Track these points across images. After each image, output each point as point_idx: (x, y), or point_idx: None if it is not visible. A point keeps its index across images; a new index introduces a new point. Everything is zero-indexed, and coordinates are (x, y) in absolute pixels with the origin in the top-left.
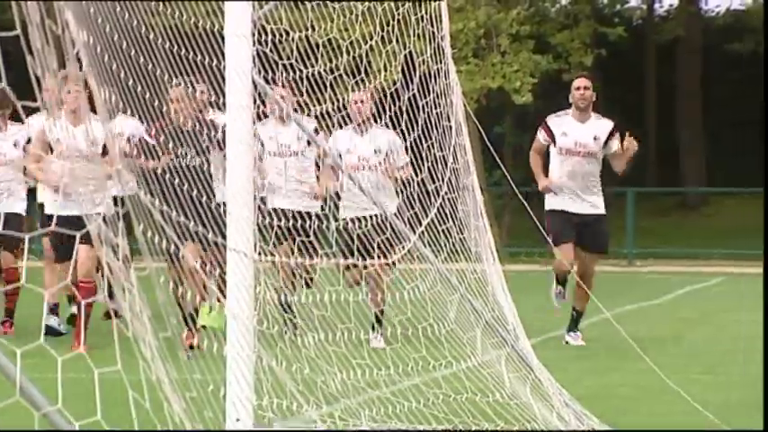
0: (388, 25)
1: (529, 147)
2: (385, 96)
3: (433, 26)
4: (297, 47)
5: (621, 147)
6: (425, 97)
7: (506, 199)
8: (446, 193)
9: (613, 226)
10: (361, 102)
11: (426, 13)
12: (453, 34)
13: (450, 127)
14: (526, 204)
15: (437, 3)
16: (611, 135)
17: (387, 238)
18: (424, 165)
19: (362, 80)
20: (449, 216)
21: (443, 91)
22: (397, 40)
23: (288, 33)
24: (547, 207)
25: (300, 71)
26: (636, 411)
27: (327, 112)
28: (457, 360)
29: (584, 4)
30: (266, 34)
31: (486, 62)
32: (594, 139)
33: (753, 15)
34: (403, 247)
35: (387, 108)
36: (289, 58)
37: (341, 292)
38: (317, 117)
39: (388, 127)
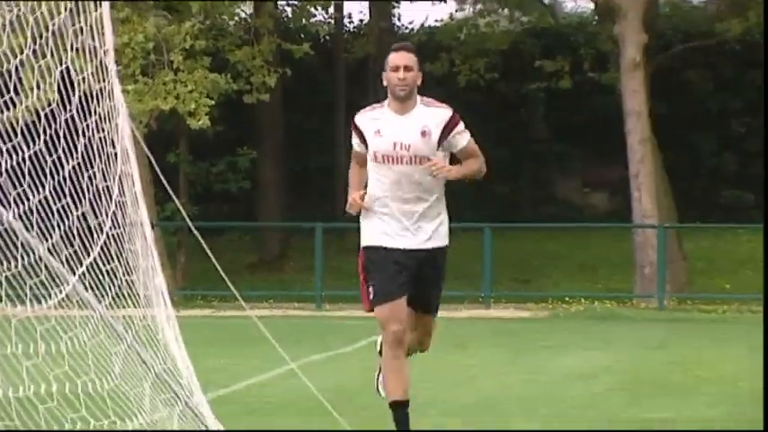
0: (41, 38)
1: (205, 176)
2: (39, 119)
3: (94, 39)
4: None
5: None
6: (86, 120)
7: (181, 235)
8: (111, 229)
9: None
10: (406, 68)
11: (86, 24)
12: (119, 48)
13: (116, 154)
14: (203, 242)
15: (98, 12)
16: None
17: (41, 281)
18: (85, 197)
19: (11, 99)
20: (114, 255)
21: (108, 113)
22: (53, 55)
23: None
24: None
25: None
26: None
27: None
28: (122, 419)
29: (265, 18)
30: None
31: (156, 81)
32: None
33: (447, 34)
34: (61, 291)
35: (41, 132)
36: None
37: None
38: None
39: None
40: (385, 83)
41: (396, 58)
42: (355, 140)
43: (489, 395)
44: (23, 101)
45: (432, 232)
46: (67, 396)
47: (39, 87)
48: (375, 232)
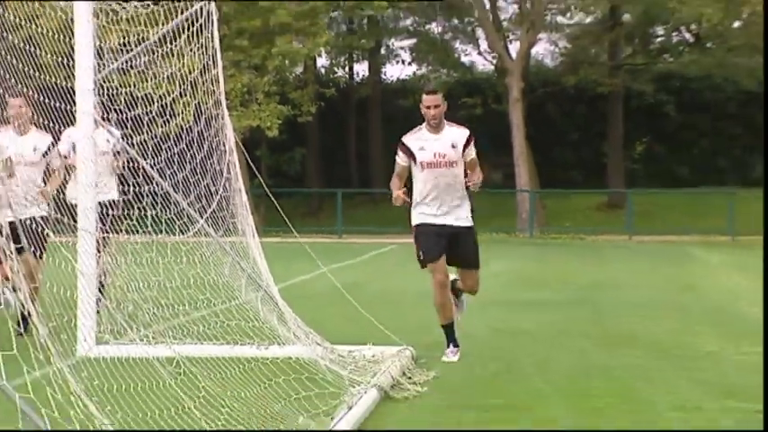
0: (183, 83)
1: (276, 164)
2: (184, 130)
3: (213, 86)
4: (124, 98)
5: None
6: (209, 130)
7: (262, 198)
8: (223, 192)
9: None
10: (435, 107)
11: (209, 76)
12: (227, 91)
13: (226, 150)
14: (274, 201)
15: (215, 72)
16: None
17: (183, 223)
18: (208, 173)
19: (167, 121)
20: (224, 207)
21: (221, 127)
22: (192, 96)
23: (117, 89)
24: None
25: (126, 113)
26: None
27: (144, 141)
28: (230, 300)
29: (310, 74)
30: (103, 89)
31: (248, 109)
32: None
33: (412, 83)
34: (194, 227)
35: (184, 137)
36: (119, 105)
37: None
38: (136, 144)
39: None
40: (423, 112)
41: (428, 99)
42: (402, 157)
43: None
44: (176, 119)
45: (459, 215)
46: (200, 285)
47: (182, 113)
48: (422, 215)
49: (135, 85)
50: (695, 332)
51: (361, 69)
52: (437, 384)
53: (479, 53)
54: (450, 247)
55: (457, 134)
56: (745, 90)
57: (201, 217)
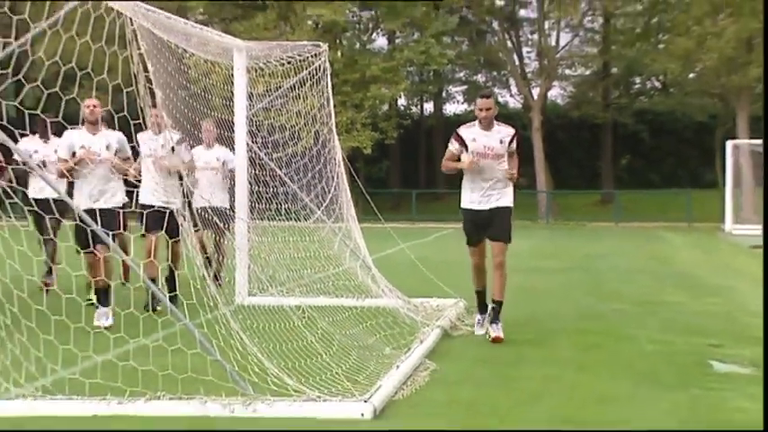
0: (306, 117)
1: (368, 172)
2: (307, 149)
3: (325, 119)
4: (266, 128)
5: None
6: (326, 148)
7: (360, 196)
8: (333, 191)
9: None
10: (488, 109)
11: (325, 111)
12: (337, 121)
13: (336, 163)
14: (368, 196)
15: (328, 109)
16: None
17: (305, 213)
18: (323, 178)
19: (296, 143)
20: (335, 200)
21: (332, 147)
22: (312, 124)
23: (262, 122)
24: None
25: (268, 138)
26: None
27: (280, 157)
28: (338, 266)
29: (392, 110)
30: (252, 122)
31: (350, 135)
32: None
33: (466, 116)
34: (313, 216)
35: (307, 154)
36: (263, 132)
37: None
38: (275, 159)
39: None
40: (476, 113)
41: (481, 102)
42: (455, 145)
43: None
44: (301, 142)
45: (500, 197)
46: (318, 256)
47: (305, 137)
48: (467, 200)
49: (274, 119)
50: (665, 290)
51: (429, 107)
52: None
53: (511, 95)
54: (490, 224)
55: (504, 132)
56: (697, 121)
57: (319, 209)
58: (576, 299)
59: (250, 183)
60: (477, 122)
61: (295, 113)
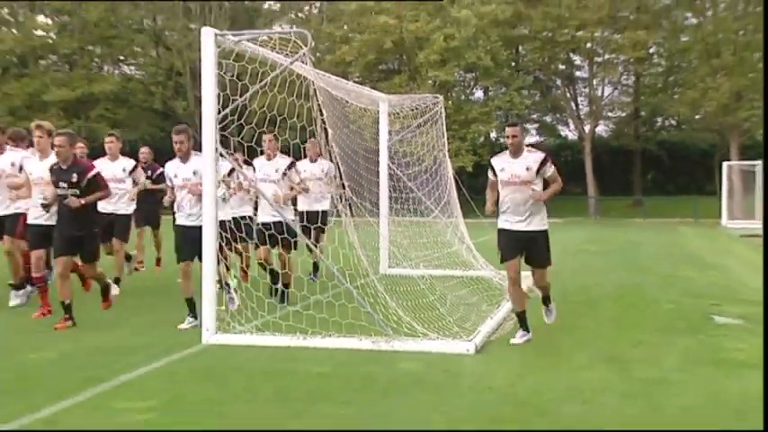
0: (427, 147)
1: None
2: (426, 170)
3: (442, 147)
4: (401, 153)
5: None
6: (440, 167)
7: (464, 200)
8: (447, 196)
9: None
10: (514, 137)
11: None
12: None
13: (447, 177)
14: (471, 201)
15: (435, 131)
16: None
17: (427, 211)
18: (438, 188)
19: (420, 163)
20: (449, 201)
21: (445, 165)
22: (430, 151)
23: (397, 150)
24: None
25: (403, 161)
26: None
27: (411, 173)
28: (449, 248)
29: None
30: (391, 151)
31: (457, 157)
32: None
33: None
34: (433, 214)
35: (428, 171)
36: (399, 158)
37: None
38: (406, 174)
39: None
40: (505, 140)
41: (509, 131)
42: (490, 173)
43: None
44: (424, 163)
45: (533, 222)
46: (432, 243)
47: (426, 160)
48: (503, 222)
49: (406, 147)
50: (679, 267)
51: None
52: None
53: (569, 131)
54: (527, 248)
55: (531, 159)
56: (701, 149)
57: (436, 209)
58: (615, 273)
59: (389, 190)
60: (507, 150)
61: (420, 144)
